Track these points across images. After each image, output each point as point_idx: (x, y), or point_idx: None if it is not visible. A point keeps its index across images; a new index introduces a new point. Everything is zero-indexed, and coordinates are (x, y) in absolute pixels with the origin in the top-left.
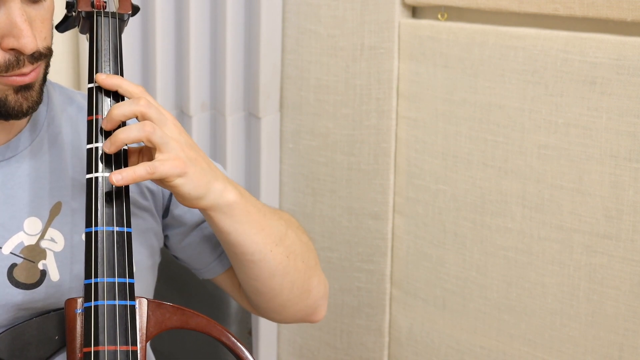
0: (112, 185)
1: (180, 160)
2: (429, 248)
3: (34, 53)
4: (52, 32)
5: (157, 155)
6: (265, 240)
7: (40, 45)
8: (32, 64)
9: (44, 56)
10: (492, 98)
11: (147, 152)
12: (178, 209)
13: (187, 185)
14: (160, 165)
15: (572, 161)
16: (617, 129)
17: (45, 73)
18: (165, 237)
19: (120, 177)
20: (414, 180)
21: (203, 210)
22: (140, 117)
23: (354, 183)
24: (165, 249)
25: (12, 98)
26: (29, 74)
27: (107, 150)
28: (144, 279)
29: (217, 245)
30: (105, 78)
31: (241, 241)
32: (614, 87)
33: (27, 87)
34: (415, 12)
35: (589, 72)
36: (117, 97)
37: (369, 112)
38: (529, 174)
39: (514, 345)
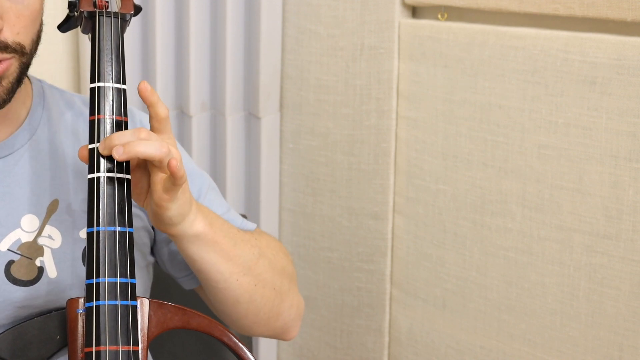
0: (114, 185)
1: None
2: (429, 248)
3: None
4: (33, 34)
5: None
6: (232, 269)
7: (10, 38)
8: (1, 52)
9: (12, 51)
10: (492, 98)
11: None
12: None
13: (174, 210)
14: (182, 168)
15: (572, 161)
16: (617, 129)
17: (20, 74)
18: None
19: (173, 155)
20: (414, 180)
21: (171, 236)
22: (157, 162)
23: (354, 183)
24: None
25: None
26: None
27: (118, 157)
28: (141, 279)
29: None
30: (149, 89)
31: (207, 269)
32: (614, 87)
33: None
34: (415, 12)
35: (589, 72)
36: (119, 99)
37: (369, 112)
38: (529, 174)
39: (514, 345)
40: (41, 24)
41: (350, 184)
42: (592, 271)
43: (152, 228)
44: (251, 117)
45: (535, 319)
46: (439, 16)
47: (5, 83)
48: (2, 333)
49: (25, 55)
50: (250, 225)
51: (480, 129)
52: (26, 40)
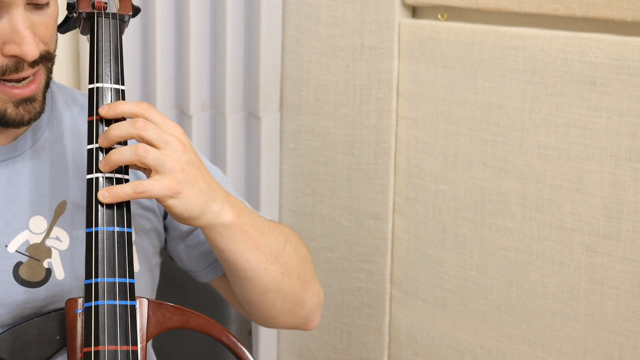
0: (113, 185)
1: (174, 182)
2: (429, 248)
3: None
4: (55, 38)
5: (152, 175)
6: (260, 258)
7: (42, 48)
8: (32, 67)
9: (43, 60)
10: (492, 98)
11: None
12: None
13: (179, 206)
14: (150, 186)
15: (572, 161)
16: (617, 129)
17: (48, 79)
18: (164, 238)
19: (107, 194)
20: (414, 180)
21: (199, 227)
22: (137, 139)
23: (354, 183)
24: (163, 250)
25: (11, 111)
26: (29, 86)
27: (102, 169)
28: (147, 280)
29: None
30: (108, 110)
31: (235, 259)
32: (614, 87)
33: (28, 100)
34: (415, 12)
35: (589, 72)
36: (118, 99)
37: (369, 112)
38: (529, 174)
39: (514, 345)
40: None
41: (350, 184)
42: (592, 271)
43: (165, 229)
44: (251, 117)
45: (535, 319)
46: (439, 16)
47: (40, 97)
48: (1, 333)
49: (52, 59)
50: (266, 216)
51: (480, 129)
52: (51, 46)
